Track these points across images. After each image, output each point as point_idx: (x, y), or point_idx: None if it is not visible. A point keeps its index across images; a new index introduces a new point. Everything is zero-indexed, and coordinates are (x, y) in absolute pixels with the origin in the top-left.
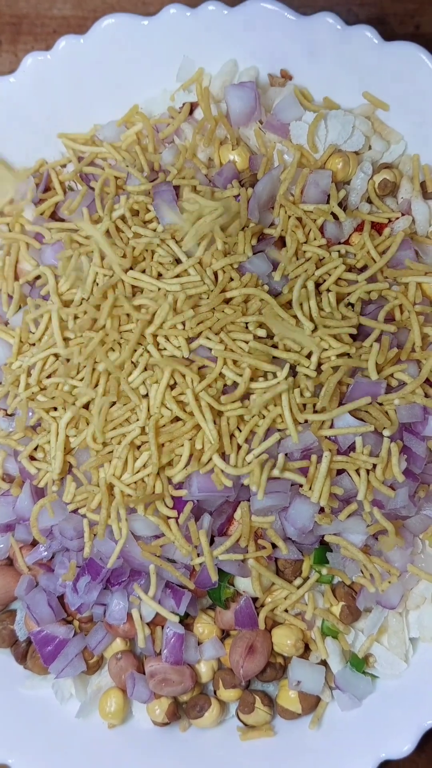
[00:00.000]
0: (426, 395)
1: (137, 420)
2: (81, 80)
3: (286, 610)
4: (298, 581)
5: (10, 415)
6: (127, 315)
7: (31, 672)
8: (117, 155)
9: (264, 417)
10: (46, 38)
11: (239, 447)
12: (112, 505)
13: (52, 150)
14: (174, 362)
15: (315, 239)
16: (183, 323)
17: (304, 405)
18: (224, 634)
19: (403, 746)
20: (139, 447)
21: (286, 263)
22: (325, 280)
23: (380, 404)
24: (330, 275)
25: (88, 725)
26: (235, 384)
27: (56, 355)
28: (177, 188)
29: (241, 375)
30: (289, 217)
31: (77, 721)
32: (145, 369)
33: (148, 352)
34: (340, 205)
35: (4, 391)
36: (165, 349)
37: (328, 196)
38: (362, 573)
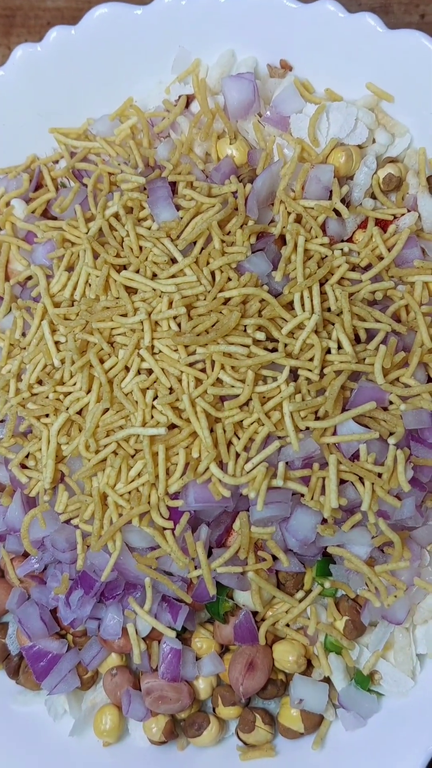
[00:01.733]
0: None
1: (131, 427)
2: (73, 73)
3: (288, 625)
4: (299, 594)
5: (1, 422)
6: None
7: (23, 687)
8: (110, 150)
9: (263, 424)
10: (40, 30)
11: (237, 455)
12: (106, 515)
13: (43, 145)
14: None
15: (317, 237)
16: (179, 325)
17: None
18: (223, 650)
19: None
20: (133, 455)
21: (286, 262)
22: (327, 280)
23: (385, 409)
24: (333, 274)
25: (82, 743)
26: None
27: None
28: (173, 184)
29: (241, 380)
30: (289, 214)
31: (71, 739)
32: (138, 373)
33: (141, 356)
34: (342, 201)
35: None
36: (161, 351)
37: (331, 192)
38: (367, 586)
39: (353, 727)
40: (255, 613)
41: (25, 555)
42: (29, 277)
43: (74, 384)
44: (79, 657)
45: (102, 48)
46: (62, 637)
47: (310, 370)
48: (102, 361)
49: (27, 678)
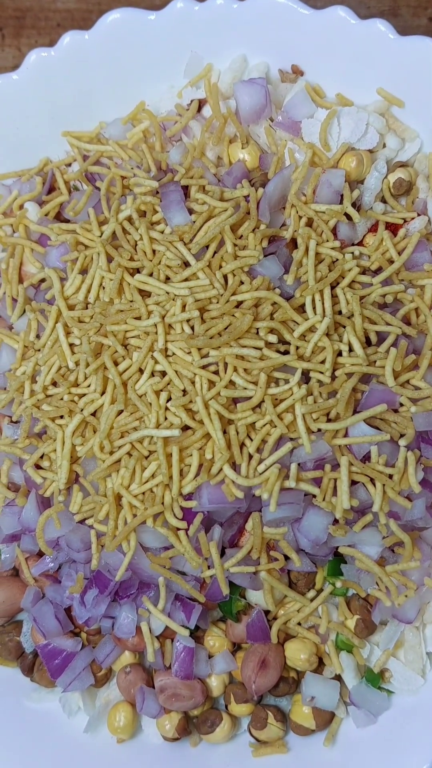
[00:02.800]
0: None
1: (145, 428)
2: (86, 77)
3: (299, 624)
4: (311, 594)
5: (16, 422)
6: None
7: (37, 685)
8: (123, 154)
9: (275, 426)
10: (50, 32)
11: (250, 457)
12: (120, 516)
13: (56, 149)
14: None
15: (328, 241)
16: (192, 328)
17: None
18: (236, 648)
19: (421, 766)
20: (147, 456)
21: (297, 265)
22: (338, 283)
23: (395, 411)
24: (343, 278)
25: (96, 740)
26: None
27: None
28: (185, 188)
29: (254, 383)
30: (300, 218)
31: (85, 736)
32: (152, 375)
33: (155, 359)
34: (353, 205)
35: (8, 398)
36: (174, 354)
37: (342, 196)
38: (378, 586)
39: (364, 724)
40: (267, 612)
41: (40, 554)
42: (43, 280)
43: (89, 386)
44: (93, 655)
45: (115, 53)
46: (76, 635)
47: (321, 373)
48: (116, 364)
49: (41, 675)
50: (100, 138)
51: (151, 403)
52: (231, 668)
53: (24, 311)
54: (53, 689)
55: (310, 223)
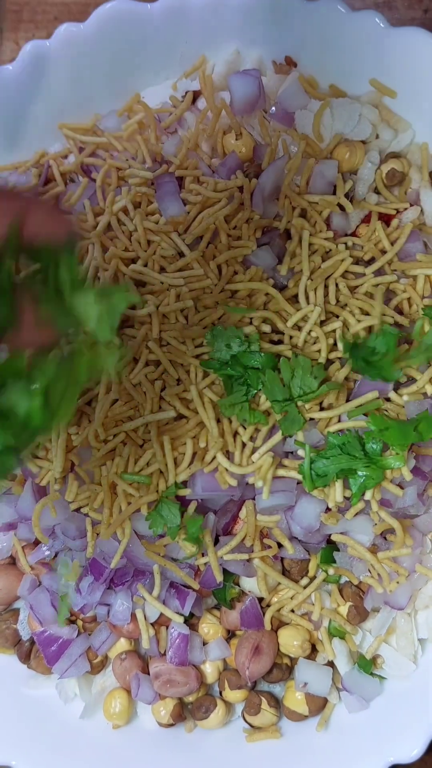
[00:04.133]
0: None
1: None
2: (81, 68)
3: (293, 611)
4: (304, 581)
5: None
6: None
7: (34, 672)
8: (118, 145)
9: (269, 414)
10: (47, 26)
11: (244, 445)
12: (115, 504)
13: (52, 141)
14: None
15: (321, 231)
16: (186, 317)
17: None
18: (230, 635)
19: (412, 750)
20: (141, 445)
21: (291, 256)
22: (331, 273)
23: (388, 400)
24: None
25: (92, 726)
26: None
27: None
28: (180, 179)
29: None
30: (294, 208)
31: (81, 722)
32: (147, 365)
33: (149, 348)
34: (346, 196)
35: None
36: (169, 344)
37: (335, 186)
38: (370, 573)
39: (356, 710)
40: (260, 599)
41: (36, 543)
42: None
43: None
44: (89, 642)
45: (110, 44)
46: (72, 622)
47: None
48: None
49: (38, 662)
50: (96, 130)
51: (146, 392)
52: (225, 655)
53: None
54: (50, 676)
55: (303, 214)
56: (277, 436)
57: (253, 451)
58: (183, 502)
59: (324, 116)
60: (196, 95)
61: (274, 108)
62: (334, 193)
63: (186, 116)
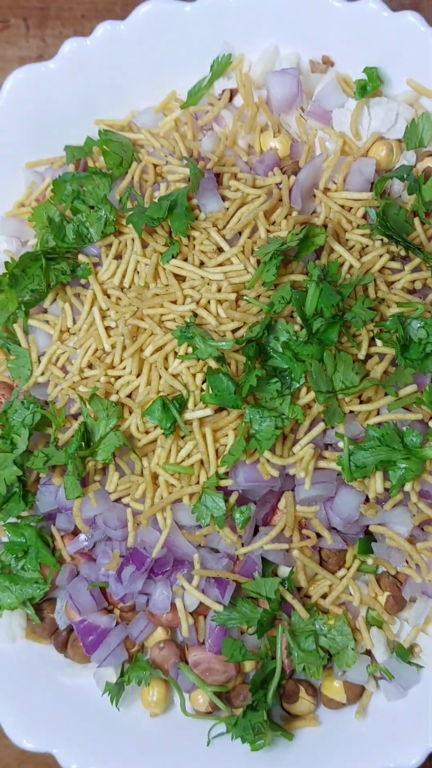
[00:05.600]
0: None
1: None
2: (119, 66)
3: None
4: (341, 572)
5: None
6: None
7: (71, 660)
8: (155, 142)
9: (310, 407)
10: (74, 23)
11: (285, 437)
12: (157, 494)
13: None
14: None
15: (358, 227)
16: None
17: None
18: None
19: None
20: (183, 437)
21: (328, 252)
22: (369, 269)
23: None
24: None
25: (130, 714)
26: None
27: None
28: (218, 176)
29: None
30: (330, 208)
31: (119, 710)
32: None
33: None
34: (383, 193)
35: (33, 380)
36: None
37: (372, 184)
38: (407, 563)
39: (395, 698)
40: (299, 589)
41: (74, 533)
42: (77, 265)
43: (124, 368)
44: (127, 631)
45: (148, 43)
46: (110, 612)
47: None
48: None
49: (75, 651)
50: (132, 126)
51: (186, 384)
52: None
53: (57, 294)
54: (87, 665)
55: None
56: (318, 428)
57: (294, 443)
58: (224, 493)
59: (361, 115)
60: (233, 93)
61: (311, 106)
62: (371, 191)
63: (223, 114)
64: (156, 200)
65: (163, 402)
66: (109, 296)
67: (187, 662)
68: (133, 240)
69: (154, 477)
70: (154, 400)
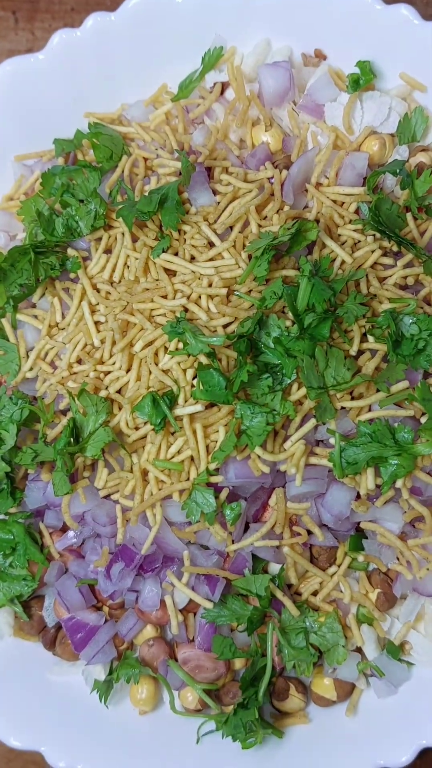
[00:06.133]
0: None
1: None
2: (109, 59)
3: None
4: (332, 569)
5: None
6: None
7: (59, 658)
8: (146, 135)
9: (301, 403)
10: (64, 16)
11: (276, 433)
12: (146, 491)
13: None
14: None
15: (351, 222)
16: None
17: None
18: None
19: None
20: (173, 433)
21: (320, 247)
22: (360, 265)
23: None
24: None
25: (118, 712)
26: None
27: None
28: (209, 170)
29: None
30: (322, 202)
31: (107, 708)
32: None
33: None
34: (375, 188)
35: (22, 375)
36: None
37: (364, 179)
38: (398, 560)
39: (385, 695)
40: (290, 586)
41: (63, 530)
42: (66, 258)
43: (113, 363)
44: (116, 628)
45: (139, 35)
46: (98, 609)
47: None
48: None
49: (64, 649)
50: (122, 119)
51: (176, 380)
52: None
53: (46, 289)
54: (75, 663)
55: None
56: (309, 425)
57: (285, 439)
58: (215, 489)
59: (354, 109)
60: (224, 86)
61: (303, 100)
62: (364, 185)
63: (214, 107)
64: (146, 194)
65: (153, 398)
66: (98, 291)
67: (176, 660)
68: (123, 234)
69: (144, 473)
70: (144, 395)
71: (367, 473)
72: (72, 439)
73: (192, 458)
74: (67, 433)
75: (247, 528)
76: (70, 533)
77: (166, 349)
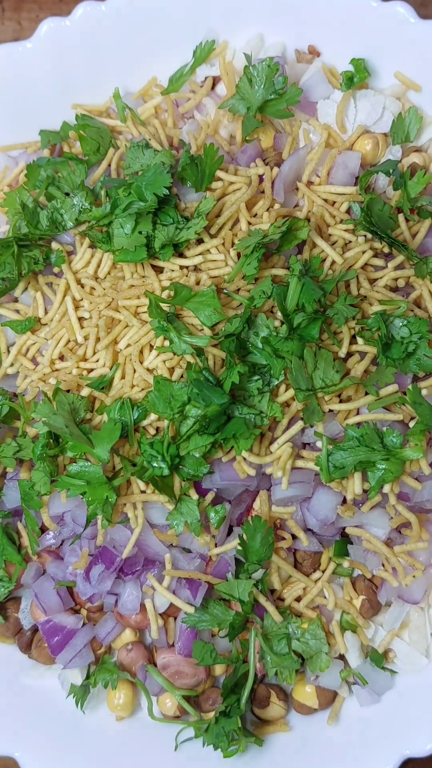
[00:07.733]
0: None
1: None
2: (98, 49)
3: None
4: (316, 575)
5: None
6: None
7: (35, 661)
8: (134, 129)
9: (288, 405)
10: (51, 7)
11: (262, 435)
12: (129, 490)
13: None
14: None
15: (342, 222)
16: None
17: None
18: None
19: (426, 744)
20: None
21: (311, 246)
22: (351, 266)
23: (405, 393)
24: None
25: (95, 717)
26: None
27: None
28: None
29: None
30: (313, 201)
31: (84, 713)
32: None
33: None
34: (367, 188)
35: (2, 372)
36: (188, 332)
37: (356, 178)
38: (384, 566)
39: (368, 703)
40: (273, 591)
41: (41, 530)
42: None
43: (97, 360)
44: (94, 632)
45: (129, 26)
46: (76, 612)
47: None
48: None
49: (40, 652)
50: (110, 112)
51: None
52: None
53: (29, 283)
54: (51, 666)
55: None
56: (297, 427)
57: (272, 442)
58: (199, 491)
59: (347, 107)
60: (215, 81)
61: None
62: (356, 185)
63: (205, 102)
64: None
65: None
66: (82, 286)
67: (155, 665)
68: None
69: None
70: (123, 398)
71: (354, 478)
72: (51, 440)
73: None
74: (45, 435)
75: (230, 531)
76: (49, 534)
77: (151, 346)
